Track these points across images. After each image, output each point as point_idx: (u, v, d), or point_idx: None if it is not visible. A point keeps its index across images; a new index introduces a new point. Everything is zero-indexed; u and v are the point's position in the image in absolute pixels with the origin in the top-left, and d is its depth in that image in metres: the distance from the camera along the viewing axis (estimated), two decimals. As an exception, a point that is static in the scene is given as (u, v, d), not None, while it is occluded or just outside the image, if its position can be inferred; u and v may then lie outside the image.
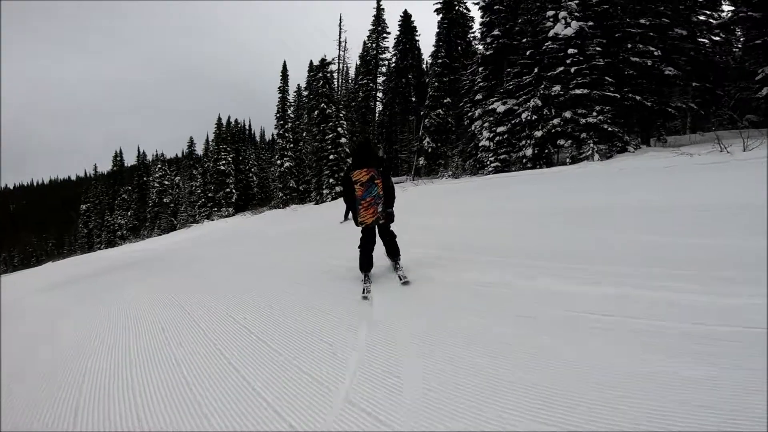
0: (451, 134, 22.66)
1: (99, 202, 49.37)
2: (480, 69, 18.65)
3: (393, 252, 4.12)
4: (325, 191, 24.23)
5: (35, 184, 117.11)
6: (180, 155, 52.88)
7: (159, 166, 44.21)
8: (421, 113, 24.21)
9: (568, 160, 13.82)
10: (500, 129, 16.47)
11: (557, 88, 13.93)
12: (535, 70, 15.16)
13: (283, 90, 31.32)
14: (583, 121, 13.30)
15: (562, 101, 13.89)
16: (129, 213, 45.61)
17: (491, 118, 16.87)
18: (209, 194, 34.53)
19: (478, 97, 18.44)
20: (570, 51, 13.49)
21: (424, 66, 32.36)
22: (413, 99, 29.23)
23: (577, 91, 13.40)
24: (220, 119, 37.52)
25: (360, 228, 4.04)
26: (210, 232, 20.80)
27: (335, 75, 29.29)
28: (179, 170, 47.77)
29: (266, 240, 10.49)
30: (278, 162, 29.65)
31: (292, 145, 29.82)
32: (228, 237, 14.65)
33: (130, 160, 56.62)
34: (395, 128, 29.82)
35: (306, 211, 20.25)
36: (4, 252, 69.70)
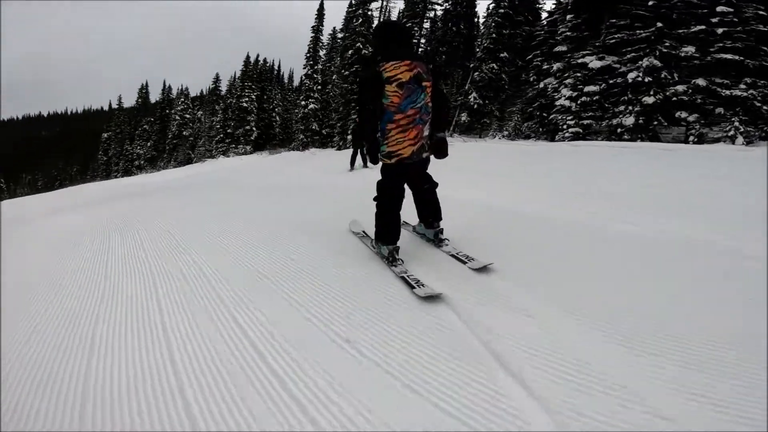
0: (502, 92, 19.89)
1: (120, 131, 48.38)
2: (567, 17, 15.53)
3: (435, 211, 2.61)
4: (349, 137, 22.12)
5: (69, 112, 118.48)
6: (204, 92, 50.97)
7: (182, 100, 42.78)
8: (471, 65, 21.41)
9: (692, 138, 10.97)
10: (589, 89, 13.59)
11: (690, 48, 11.42)
12: (657, 24, 12.16)
13: (317, 30, 29.09)
14: (726, 92, 10.77)
15: (695, 66, 11.45)
16: (149, 144, 44.59)
17: (578, 74, 14.00)
18: (228, 130, 32.90)
19: (559, 49, 15.42)
20: (720, 9, 11.07)
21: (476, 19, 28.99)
22: (461, 50, 26.10)
23: (726, 56, 10.84)
24: (248, 57, 35.37)
25: (382, 168, 2.44)
26: (217, 170, 18.93)
27: (375, 14, 26.50)
28: (202, 105, 46.14)
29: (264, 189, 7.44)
30: (303, 103, 27.73)
31: (319, 87, 27.79)
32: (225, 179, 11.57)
33: (156, 97, 55.00)
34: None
35: (326, 156, 18.30)
36: (29, 175, 71.14)
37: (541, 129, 15.04)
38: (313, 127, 26.54)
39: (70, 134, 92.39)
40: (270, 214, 4.17)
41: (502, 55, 19.55)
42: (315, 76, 27.80)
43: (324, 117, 27.10)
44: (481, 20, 25.82)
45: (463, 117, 20.16)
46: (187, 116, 41.67)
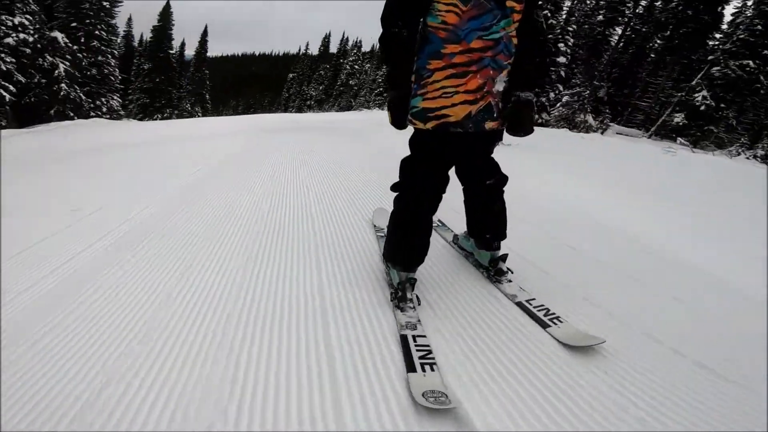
0: (750, 98, 14.94)
1: (302, 73, 54.65)
2: None
3: (497, 225, 1.63)
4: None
5: (273, 54, 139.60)
6: (377, 47, 53.27)
7: (354, 51, 45.47)
8: (709, 57, 16.42)
9: None
10: None
11: None
12: None
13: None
14: None
15: None
16: (320, 87, 49.38)
17: None
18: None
19: None
20: None
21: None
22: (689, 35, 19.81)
23: None
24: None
25: (412, 137, 1.49)
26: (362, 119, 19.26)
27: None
28: (372, 58, 48.31)
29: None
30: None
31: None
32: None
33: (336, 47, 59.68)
34: (638, 69, 21.37)
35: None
36: (234, 100, 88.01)
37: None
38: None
39: (270, 73, 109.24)
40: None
41: (765, 51, 14.39)
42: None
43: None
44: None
45: (678, 118, 15.73)
46: (357, 67, 44.24)
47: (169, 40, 36.27)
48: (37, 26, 15.81)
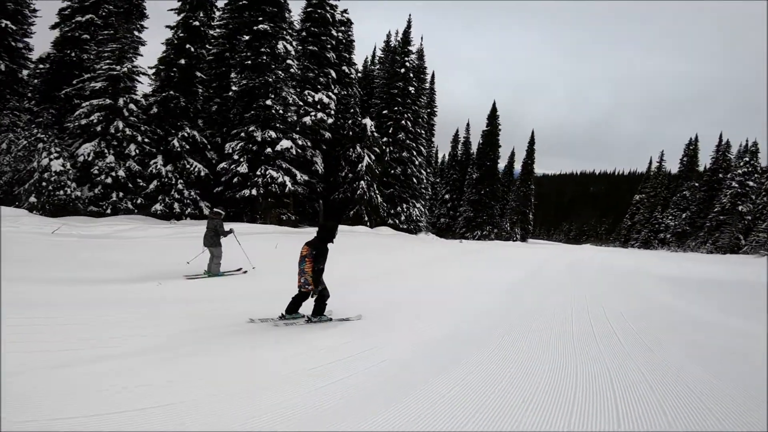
0: None
1: (655, 194, 43.53)
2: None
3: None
4: None
5: (616, 173, 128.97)
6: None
7: (745, 160, 31.35)
8: None
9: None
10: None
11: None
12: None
13: None
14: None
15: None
16: (684, 215, 36.85)
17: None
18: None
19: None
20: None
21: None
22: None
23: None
24: None
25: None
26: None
27: None
28: (781, 170, 31.98)
29: None
30: None
31: None
32: None
33: (707, 158, 44.54)
34: None
35: None
36: (566, 223, 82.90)
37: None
38: None
39: (611, 193, 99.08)
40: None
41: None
42: None
43: None
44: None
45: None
46: (750, 184, 29.99)
47: (495, 147, 35.03)
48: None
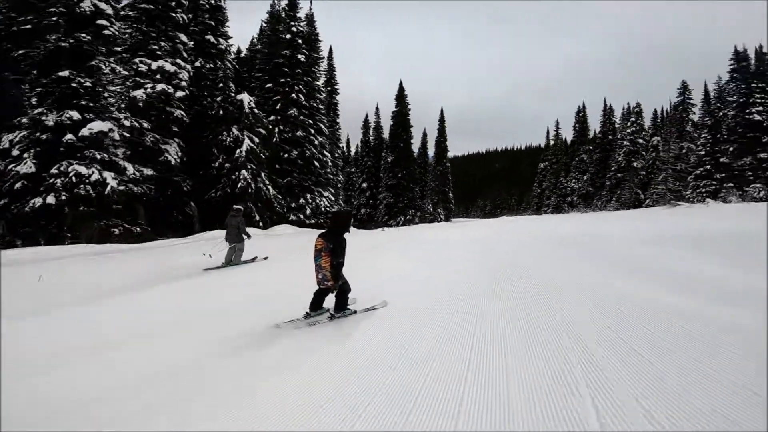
0: None
1: (557, 161, 45.67)
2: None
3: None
4: None
5: (514, 148, 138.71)
6: (660, 111, 38.76)
7: (631, 121, 33.59)
8: None
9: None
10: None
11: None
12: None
13: None
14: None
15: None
16: (585, 177, 38.83)
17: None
18: (719, 159, 20.49)
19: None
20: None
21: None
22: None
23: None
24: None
25: None
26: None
27: None
28: (659, 128, 34.88)
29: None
30: None
31: None
32: None
33: (596, 123, 48.01)
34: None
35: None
36: (481, 200, 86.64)
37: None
38: None
39: (514, 168, 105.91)
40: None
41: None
42: None
43: None
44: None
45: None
46: (640, 141, 32.09)
47: (407, 127, 33.57)
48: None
